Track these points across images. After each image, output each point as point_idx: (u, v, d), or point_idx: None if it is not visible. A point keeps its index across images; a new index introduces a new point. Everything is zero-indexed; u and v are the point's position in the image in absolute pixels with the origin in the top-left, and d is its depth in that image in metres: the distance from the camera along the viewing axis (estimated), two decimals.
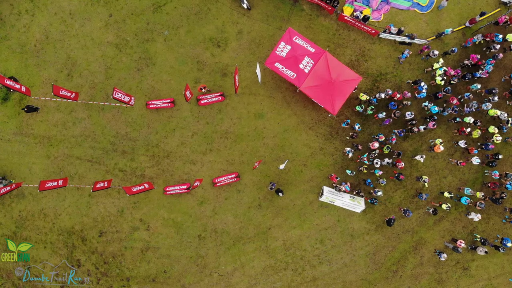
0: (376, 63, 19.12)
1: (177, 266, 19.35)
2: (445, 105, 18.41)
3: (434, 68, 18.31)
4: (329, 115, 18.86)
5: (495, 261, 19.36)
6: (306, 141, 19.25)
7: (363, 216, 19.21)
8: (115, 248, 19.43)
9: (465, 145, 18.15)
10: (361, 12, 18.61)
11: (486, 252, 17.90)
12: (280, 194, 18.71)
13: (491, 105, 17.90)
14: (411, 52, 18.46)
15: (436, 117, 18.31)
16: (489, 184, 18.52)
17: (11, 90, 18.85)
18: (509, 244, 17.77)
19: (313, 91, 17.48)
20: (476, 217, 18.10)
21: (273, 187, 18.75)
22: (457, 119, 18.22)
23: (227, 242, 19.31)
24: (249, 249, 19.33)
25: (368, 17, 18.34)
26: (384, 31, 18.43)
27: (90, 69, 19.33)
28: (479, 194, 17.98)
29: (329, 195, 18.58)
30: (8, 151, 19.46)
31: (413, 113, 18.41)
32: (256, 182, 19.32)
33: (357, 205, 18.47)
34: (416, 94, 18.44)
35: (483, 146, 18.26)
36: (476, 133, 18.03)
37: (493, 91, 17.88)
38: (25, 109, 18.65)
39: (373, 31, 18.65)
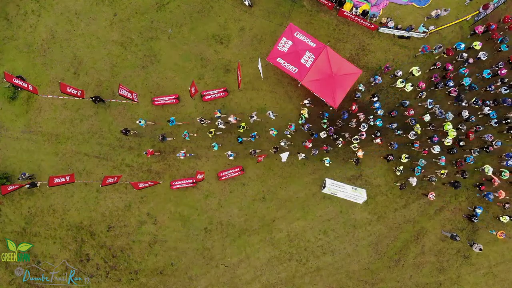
0: (375, 57, 19.56)
1: (184, 258, 19.80)
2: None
3: (414, 74, 18.50)
4: (330, 108, 19.27)
5: (495, 249, 19.75)
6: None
7: (365, 207, 19.64)
8: (123, 242, 19.87)
9: (415, 136, 18.67)
10: (357, 8, 18.99)
11: (480, 249, 18.28)
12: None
13: (452, 116, 18.42)
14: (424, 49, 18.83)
15: (379, 132, 18.74)
16: (455, 162, 18.91)
17: (19, 88, 19.34)
18: (479, 211, 18.37)
19: (315, 85, 17.92)
20: (413, 181, 18.63)
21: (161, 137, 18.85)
22: (398, 132, 18.72)
23: (233, 234, 19.75)
24: (254, 241, 19.77)
25: (368, 12, 18.77)
26: (381, 23, 18.90)
27: (96, 67, 19.78)
28: (444, 171, 18.51)
29: (331, 187, 18.99)
30: (17, 148, 19.88)
31: (366, 126, 18.66)
32: (260, 175, 19.76)
33: (359, 196, 18.88)
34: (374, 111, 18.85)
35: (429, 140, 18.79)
36: (452, 133, 18.29)
37: (461, 97, 18.45)
38: (93, 98, 18.93)
39: (372, 26, 19.08)
